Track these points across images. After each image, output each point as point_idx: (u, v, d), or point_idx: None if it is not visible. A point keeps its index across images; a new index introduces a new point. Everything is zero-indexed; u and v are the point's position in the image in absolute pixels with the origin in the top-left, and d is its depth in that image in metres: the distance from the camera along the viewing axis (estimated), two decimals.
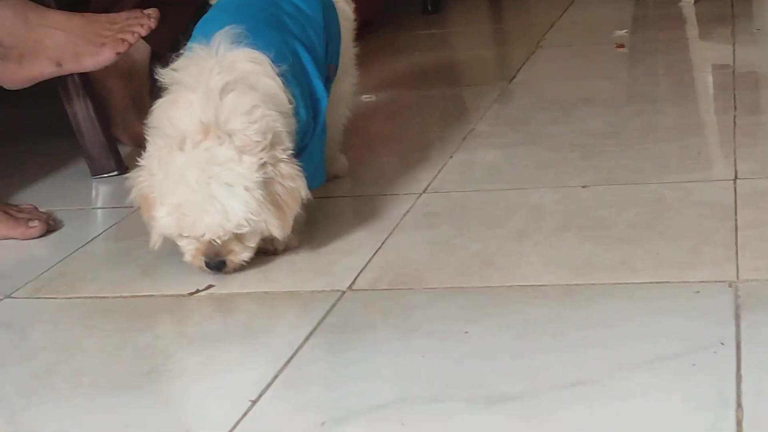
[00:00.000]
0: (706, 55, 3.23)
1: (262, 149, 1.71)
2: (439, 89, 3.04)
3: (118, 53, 2.31)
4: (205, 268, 1.76)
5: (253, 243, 1.77)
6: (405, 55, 3.60)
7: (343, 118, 2.24)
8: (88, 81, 2.47)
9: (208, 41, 1.80)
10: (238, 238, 1.75)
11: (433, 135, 2.58)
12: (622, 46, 3.28)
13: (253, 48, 1.80)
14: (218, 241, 1.73)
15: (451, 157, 2.35)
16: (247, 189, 1.69)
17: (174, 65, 1.82)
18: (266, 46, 1.82)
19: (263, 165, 1.71)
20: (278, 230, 1.75)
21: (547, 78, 3.03)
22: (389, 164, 2.33)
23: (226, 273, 1.77)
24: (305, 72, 1.92)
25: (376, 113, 2.86)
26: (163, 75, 1.81)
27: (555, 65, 3.18)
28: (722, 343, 1.39)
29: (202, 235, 1.72)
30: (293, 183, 1.76)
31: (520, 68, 3.16)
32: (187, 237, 1.75)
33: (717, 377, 1.31)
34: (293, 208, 1.77)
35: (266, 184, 1.72)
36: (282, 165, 1.75)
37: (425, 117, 2.77)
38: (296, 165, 1.77)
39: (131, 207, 1.90)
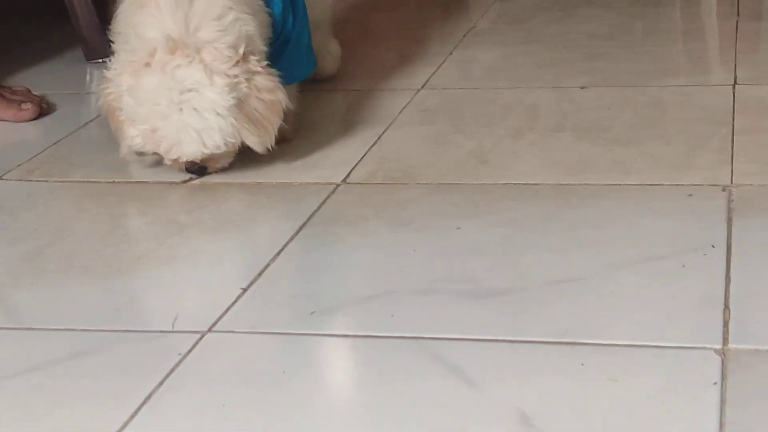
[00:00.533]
0: None
1: (235, 64, 1.64)
2: None
3: None
4: (187, 172, 1.74)
5: (231, 157, 1.74)
6: None
7: None
8: None
9: None
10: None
11: (433, 31, 2.55)
12: None
13: None
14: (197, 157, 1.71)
15: (450, 53, 2.33)
16: (219, 115, 1.64)
17: None
18: None
19: (236, 84, 1.64)
20: (259, 146, 1.70)
21: None
22: (387, 59, 2.31)
23: (209, 173, 1.74)
24: None
25: (375, 6, 2.82)
26: None
27: None
28: (713, 246, 1.39)
29: (179, 159, 1.69)
30: (271, 96, 1.68)
31: None
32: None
33: (706, 279, 1.32)
34: (274, 122, 1.70)
35: (241, 103, 1.65)
36: (258, 78, 1.67)
37: (426, 12, 2.74)
38: (273, 75, 1.70)
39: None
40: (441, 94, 2.09)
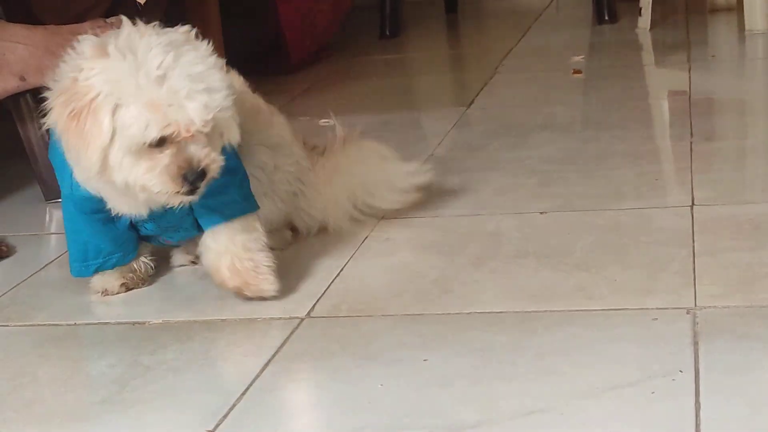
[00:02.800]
0: (663, 81, 3.26)
1: None
2: (398, 114, 3.03)
3: None
4: (184, 182, 1.58)
5: (219, 149, 1.64)
6: (363, 80, 3.60)
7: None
8: (41, 103, 2.44)
9: None
10: (207, 139, 1.61)
11: None
12: (579, 72, 3.30)
13: None
14: (199, 158, 1.59)
15: None
16: (216, 64, 1.59)
17: None
18: None
19: None
20: (235, 135, 1.66)
21: (505, 104, 3.04)
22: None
23: (204, 184, 1.61)
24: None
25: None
26: None
27: (512, 91, 3.20)
28: (681, 371, 1.39)
29: (189, 126, 1.56)
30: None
31: (478, 94, 3.17)
32: (156, 147, 1.57)
33: (676, 405, 1.31)
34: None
35: None
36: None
37: (383, 142, 2.76)
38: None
39: (45, 136, 1.70)
40: (402, 222, 2.10)
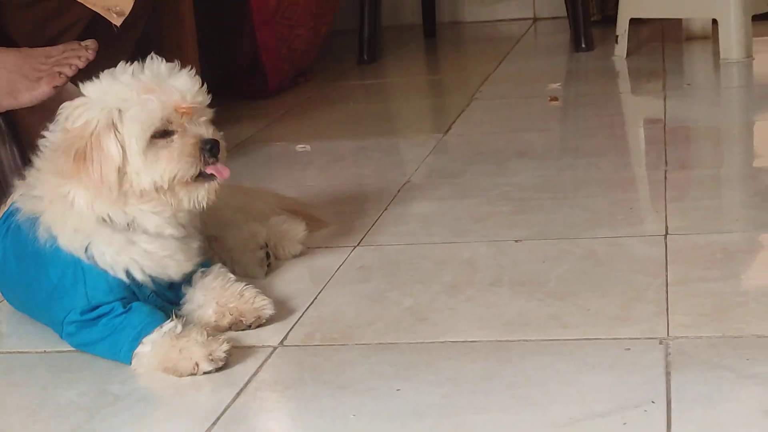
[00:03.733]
0: (638, 109, 3.27)
1: None
2: (375, 140, 3.03)
3: (55, 87, 2.27)
4: (203, 154, 1.67)
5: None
6: (340, 105, 3.60)
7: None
8: (14, 126, 2.43)
9: None
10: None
11: (368, 186, 2.58)
12: (555, 99, 3.31)
13: None
14: (205, 132, 1.69)
15: (385, 209, 2.35)
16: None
17: None
18: None
19: None
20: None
21: (482, 130, 3.04)
22: (323, 215, 2.31)
23: (222, 156, 1.70)
24: None
25: (310, 163, 2.84)
26: None
27: (489, 117, 3.20)
28: (653, 402, 1.39)
29: (183, 97, 1.66)
30: None
31: (455, 120, 3.17)
32: (163, 139, 1.66)
33: None
34: None
35: None
36: None
37: (360, 168, 2.77)
38: None
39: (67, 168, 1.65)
40: (377, 250, 2.09)
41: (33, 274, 1.71)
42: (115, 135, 1.64)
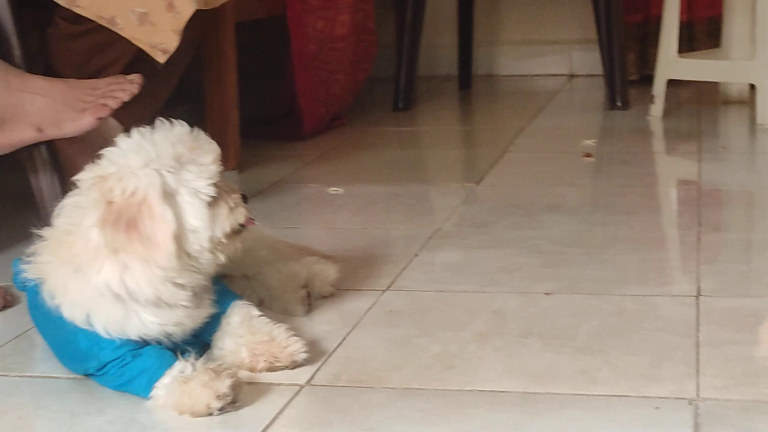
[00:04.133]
0: (672, 170, 3.28)
1: None
2: (407, 186, 3.05)
3: (99, 118, 2.30)
4: (245, 202, 1.74)
5: None
6: (374, 151, 3.62)
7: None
8: (55, 155, 2.46)
9: None
10: None
11: (398, 232, 2.59)
12: (589, 155, 3.32)
13: None
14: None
15: (416, 255, 2.36)
16: None
17: None
18: None
19: None
20: None
21: (515, 182, 3.06)
22: (353, 259, 2.32)
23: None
24: None
25: (342, 206, 2.86)
26: None
27: (522, 170, 3.21)
28: None
29: (217, 154, 1.69)
30: None
31: (489, 171, 3.19)
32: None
33: None
34: None
35: None
36: None
37: (391, 213, 2.78)
38: None
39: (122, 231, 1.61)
40: (406, 296, 2.10)
41: (51, 327, 1.73)
42: (164, 202, 1.61)
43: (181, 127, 1.69)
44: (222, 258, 1.70)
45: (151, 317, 1.65)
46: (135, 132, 1.68)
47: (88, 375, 1.70)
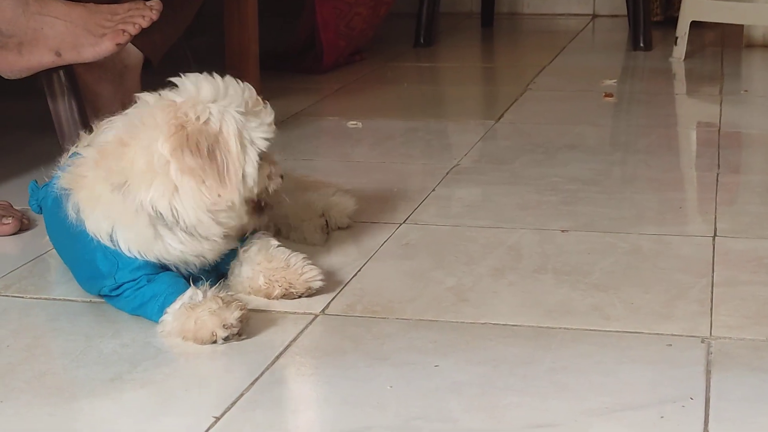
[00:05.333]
0: (693, 111, 3.25)
1: None
2: (426, 122, 3.04)
3: (118, 44, 2.29)
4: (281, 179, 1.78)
5: None
6: (393, 86, 3.60)
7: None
8: (74, 80, 2.45)
9: None
10: None
11: (416, 167, 2.58)
12: (610, 95, 3.29)
13: None
14: None
15: (433, 190, 2.35)
16: None
17: None
18: None
19: None
20: None
21: (534, 120, 3.04)
22: (370, 192, 2.32)
23: None
24: None
25: (360, 140, 2.85)
26: None
27: (542, 108, 3.20)
28: (691, 398, 1.39)
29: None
30: None
31: (508, 108, 3.17)
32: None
33: (684, 431, 1.30)
34: None
35: None
36: None
37: (410, 148, 2.77)
38: None
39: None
40: (422, 229, 2.10)
41: (69, 245, 1.74)
42: (238, 143, 1.65)
43: (246, 84, 1.71)
44: (244, 219, 1.71)
45: (176, 244, 1.66)
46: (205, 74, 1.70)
47: (101, 295, 1.71)
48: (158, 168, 1.63)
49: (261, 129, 1.69)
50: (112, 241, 1.65)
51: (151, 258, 1.66)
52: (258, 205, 1.74)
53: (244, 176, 1.66)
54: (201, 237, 1.67)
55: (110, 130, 1.71)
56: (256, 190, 1.70)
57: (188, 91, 1.67)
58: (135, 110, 1.70)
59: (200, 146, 1.61)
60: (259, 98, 1.71)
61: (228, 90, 1.68)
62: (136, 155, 1.64)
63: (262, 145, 1.69)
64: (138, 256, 1.65)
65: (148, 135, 1.64)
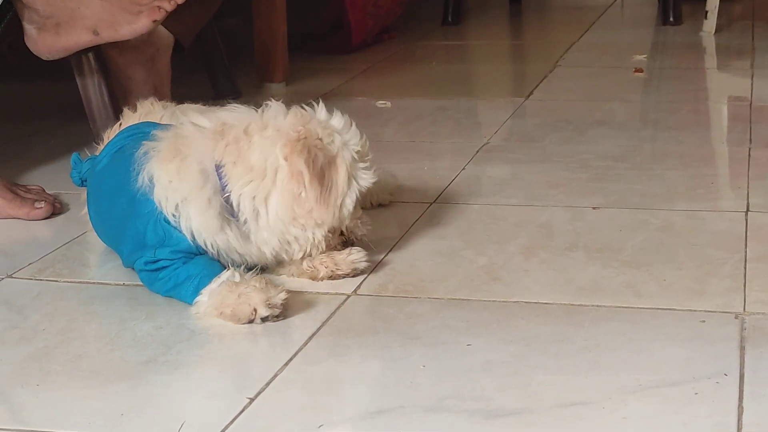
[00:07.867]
0: (724, 86, 3.23)
1: None
2: (455, 100, 3.03)
3: (154, 21, 2.29)
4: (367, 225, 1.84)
5: None
6: (422, 64, 3.59)
7: None
8: (103, 62, 2.46)
9: None
10: None
11: (446, 146, 2.58)
12: (640, 70, 3.28)
13: None
14: None
15: (463, 168, 2.35)
16: None
17: None
18: None
19: None
20: None
21: (564, 97, 3.03)
22: (400, 172, 2.32)
23: None
24: None
25: (390, 120, 2.85)
26: None
27: (572, 85, 3.18)
28: (725, 374, 1.38)
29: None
30: None
31: (537, 86, 3.16)
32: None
33: (718, 408, 1.30)
34: None
35: None
36: None
37: (439, 127, 2.77)
38: None
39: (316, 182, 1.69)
40: (453, 208, 2.10)
41: (121, 213, 1.74)
42: (346, 174, 1.72)
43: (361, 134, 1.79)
44: (321, 245, 1.74)
45: (233, 241, 1.68)
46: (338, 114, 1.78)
47: (134, 268, 1.72)
48: (268, 168, 1.67)
49: (366, 173, 1.75)
50: (174, 215, 1.66)
51: (208, 245, 1.67)
52: (347, 239, 1.79)
53: (342, 205, 1.71)
54: (259, 245, 1.70)
55: (232, 115, 1.74)
56: (346, 223, 1.75)
57: (320, 114, 1.76)
58: (266, 109, 1.74)
59: (316, 160, 1.67)
60: (369, 152, 1.79)
61: (352, 129, 1.77)
62: (253, 146, 1.68)
63: (364, 186, 1.75)
64: (192, 239, 1.66)
65: (273, 135, 1.69)
